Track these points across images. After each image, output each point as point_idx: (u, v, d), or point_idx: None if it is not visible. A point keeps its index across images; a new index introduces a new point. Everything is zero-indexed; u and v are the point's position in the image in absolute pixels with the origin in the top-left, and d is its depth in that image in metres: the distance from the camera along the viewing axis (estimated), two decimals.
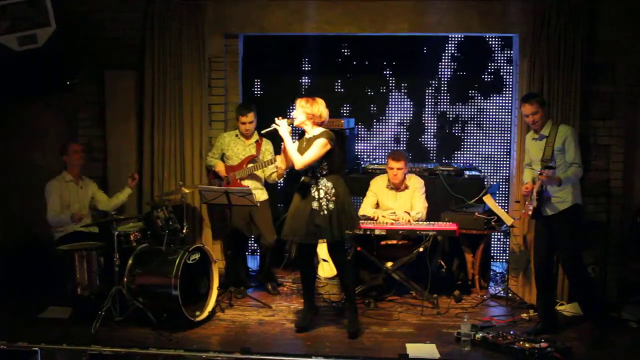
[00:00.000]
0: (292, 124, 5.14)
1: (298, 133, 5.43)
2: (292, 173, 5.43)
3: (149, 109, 6.37)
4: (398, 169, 6.02)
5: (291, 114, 5.20)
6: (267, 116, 6.12)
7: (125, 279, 5.36)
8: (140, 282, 5.38)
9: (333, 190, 5.03)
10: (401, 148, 7.09)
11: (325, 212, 5.00)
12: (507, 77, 6.92)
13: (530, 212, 5.19)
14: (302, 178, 5.16)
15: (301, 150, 5.08)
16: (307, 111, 5.06)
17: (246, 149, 6.12)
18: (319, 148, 5.00)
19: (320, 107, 5.09)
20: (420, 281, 5.86)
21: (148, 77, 6.33)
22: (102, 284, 5.39)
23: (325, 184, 5.04)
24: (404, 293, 6.11)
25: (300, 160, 5.00)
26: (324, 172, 5.06)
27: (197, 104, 6.33)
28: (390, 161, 6.06)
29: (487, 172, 7.06)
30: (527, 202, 5.23)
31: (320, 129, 5.11)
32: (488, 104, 7.05)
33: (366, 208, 6.15)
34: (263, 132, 5.22)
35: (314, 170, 5.06)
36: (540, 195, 5.11)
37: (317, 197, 5.03)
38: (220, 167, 6.12)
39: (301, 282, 5.47)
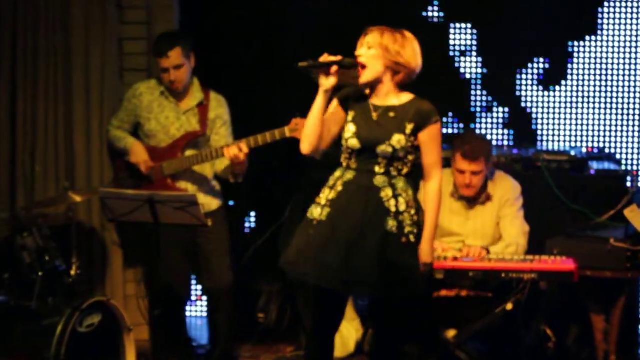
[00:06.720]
0: (353, 75, 4.88)
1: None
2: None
3: (8, 54, 6.47)
4: (473, 173, 6.03)
5: (358, 53, 4.91)
6: (232, 68, 6.06)
7: None
8: None
9: (416, 205, 5.00)
10: (476, 128, 7.22)
11: (412, 238, 4.92)
12: None
13: None
14: (346, 163, 5.00)
15: (369, 130, 4.95)
16: (394, 58, 4.87)
17: (182, 119, 6.14)
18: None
19: (413, 51, 4.96)
20: None
21: None
22: None
23: (407, 190, 4.99)
24: None
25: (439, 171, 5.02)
26: (405, 171, 5.00)
27: (96, 39, 6.44)
28: (459, 159, 6.03)
29: (632, 165, 7.17)
30: None
31: (409, 95, 5.02)
32: (627, 42, 7.16)
33: None
34: (305, 64, 4.81)
35: (390, 161, 4.97)
36: None
37: (394, 209, 4.95)
38: (138, 154, 6.07)
39: None
